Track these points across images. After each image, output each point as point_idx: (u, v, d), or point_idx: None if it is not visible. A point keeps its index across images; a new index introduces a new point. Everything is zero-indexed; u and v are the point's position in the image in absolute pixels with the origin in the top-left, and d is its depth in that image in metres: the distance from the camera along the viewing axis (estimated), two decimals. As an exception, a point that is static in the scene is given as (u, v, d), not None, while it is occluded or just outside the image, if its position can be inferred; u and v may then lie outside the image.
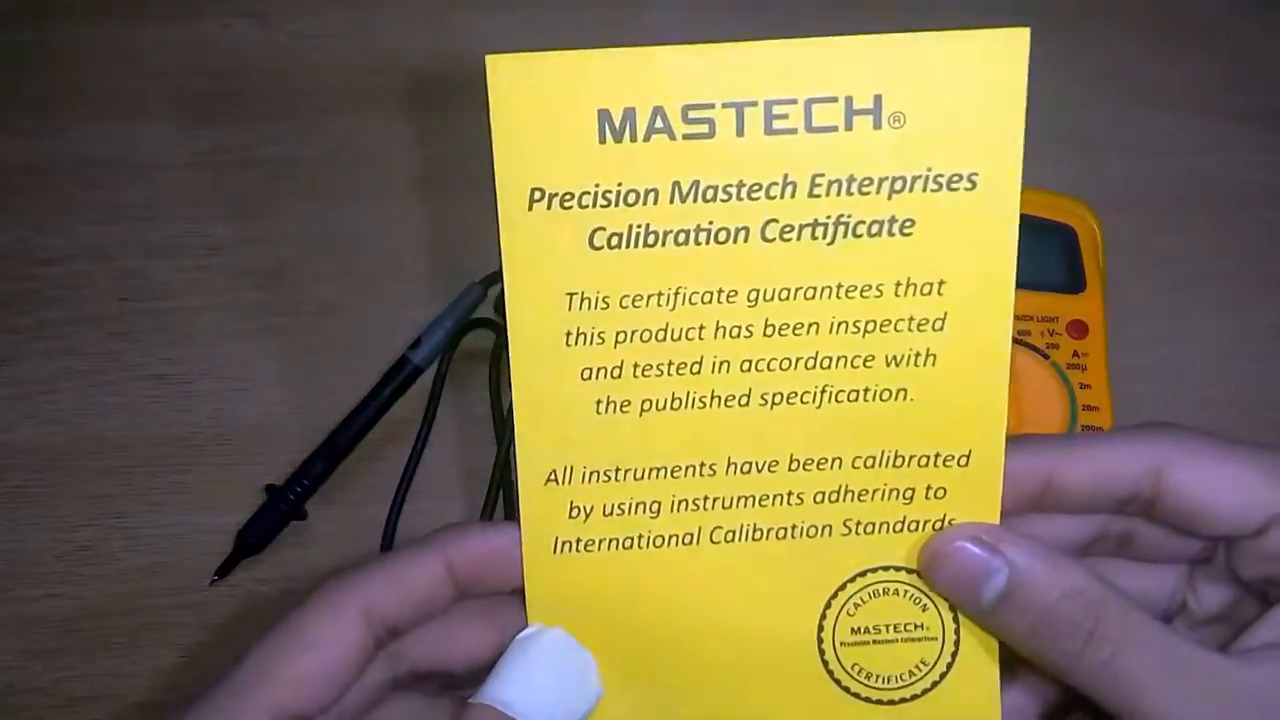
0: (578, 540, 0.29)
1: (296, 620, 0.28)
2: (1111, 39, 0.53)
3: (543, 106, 0.27)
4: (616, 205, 0.27)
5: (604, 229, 0.27)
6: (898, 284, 0.28)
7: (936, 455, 0.29)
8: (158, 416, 0.44)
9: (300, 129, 0.51)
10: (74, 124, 0.51)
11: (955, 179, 0.27)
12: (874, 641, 0.30)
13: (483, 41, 0.53)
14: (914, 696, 0.30)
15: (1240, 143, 0.50)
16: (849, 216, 0.27)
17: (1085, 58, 0.52)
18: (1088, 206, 0.45)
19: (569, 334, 0.28)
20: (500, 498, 0.41)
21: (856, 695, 0.30)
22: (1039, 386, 0.41)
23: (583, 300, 0.28)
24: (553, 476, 0.29)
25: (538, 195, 0.27)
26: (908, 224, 0.27)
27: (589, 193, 0.27)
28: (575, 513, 0.29)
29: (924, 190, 0.27)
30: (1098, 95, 0.51)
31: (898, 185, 0.27)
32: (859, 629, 0.30)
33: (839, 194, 0.27)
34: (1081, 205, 0.45)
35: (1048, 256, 0.44)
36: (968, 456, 0.28)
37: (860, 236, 0.28)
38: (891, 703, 0.30)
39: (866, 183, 0.27)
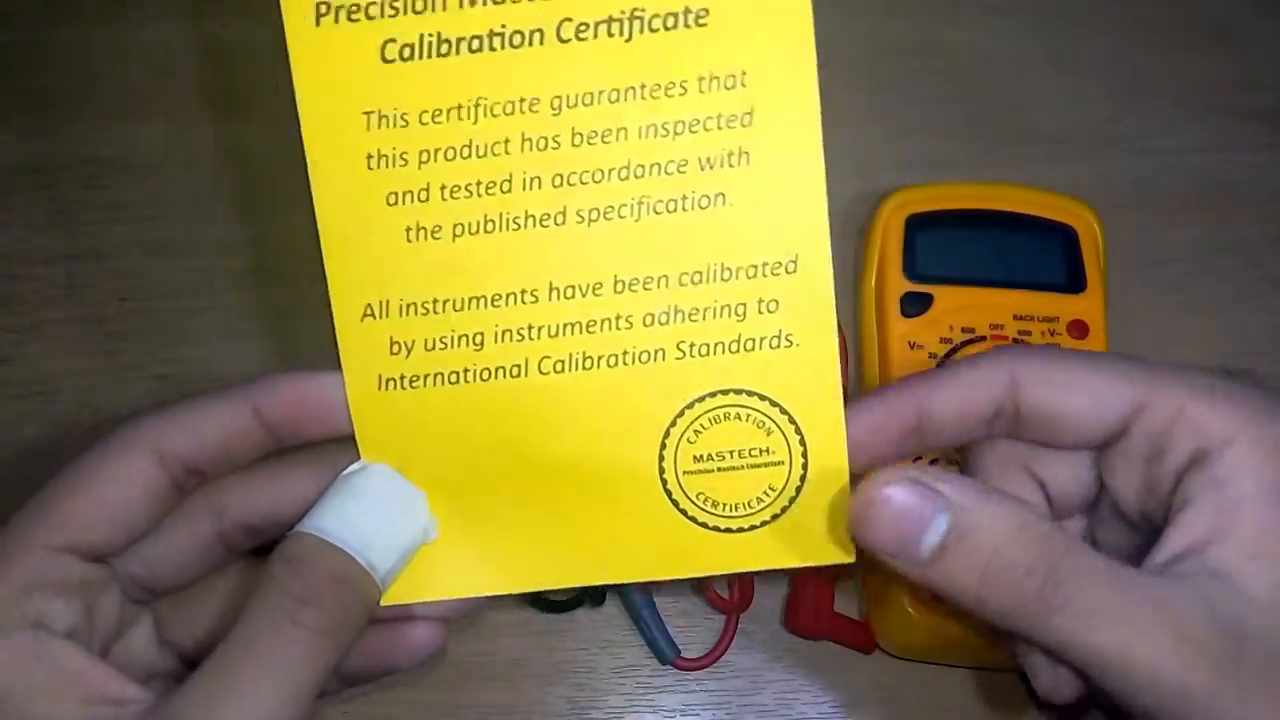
0: (401, 377, 0.28)
1: (84, 460, 0.27)
2: (1112, 37, 0.52)
3: None
4: (405, 14, 0.27)
5: (395, 40, 0.27)
6: (700, 79, 0.27)
7: (764, 264, 0.28)
8: (158, 416, 0.44)
9: (299, 129, 0.51)
10: (74, 124, 0.51)
11: None
12: (718, 469, 0.29)
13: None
14: (763, 524, 0.29)
15: (1241, 142, 0.50)
16: (643, 11, 0.27)
17: (1086, 56, 0.52)
18: (1088, 206, 0.45)
19: (370, 156, 0.27)
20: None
21: (704, 525, 0.29)
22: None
23: (381, 119, 0.27)
24: (369, 311, 0.28)
25: (324, 9, 0.27)
26: (702, 14, 0.27)
27: (375, 3, 0.26)
28: (396, 349, 0.28)
29: None
30: (1098, 94, 0.51)
31: None
32: (701, 456, 0.29)
33: None
34: (1082, 205, 0.45)
35: (1048, 256, 0.44)
36: (795, 261, 0.28)
37: (657, 31, 0.27)
38: (740, 530, 0.29)
39: None
